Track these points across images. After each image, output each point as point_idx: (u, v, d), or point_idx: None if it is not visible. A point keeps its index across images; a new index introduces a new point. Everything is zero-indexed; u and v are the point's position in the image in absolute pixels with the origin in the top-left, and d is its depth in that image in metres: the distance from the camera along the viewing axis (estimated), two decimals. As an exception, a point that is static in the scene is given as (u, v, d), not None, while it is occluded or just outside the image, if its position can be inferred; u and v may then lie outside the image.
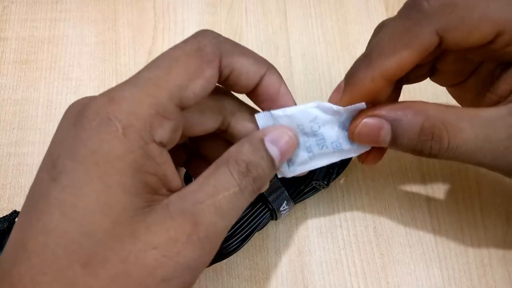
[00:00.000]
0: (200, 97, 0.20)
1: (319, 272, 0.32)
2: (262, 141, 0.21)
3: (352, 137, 0.23)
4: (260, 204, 0.30)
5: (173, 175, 0.20)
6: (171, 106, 0.19)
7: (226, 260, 0.30)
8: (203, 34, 0.21)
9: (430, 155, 0.22)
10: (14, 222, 0.31)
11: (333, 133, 0.23)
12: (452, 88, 0.28)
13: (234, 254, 0.29)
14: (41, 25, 0.40)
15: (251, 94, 0.23)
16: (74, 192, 0.17)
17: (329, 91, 0.37)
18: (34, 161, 0.35)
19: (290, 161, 0.24)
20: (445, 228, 0.33)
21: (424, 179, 0.34)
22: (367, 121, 0.22)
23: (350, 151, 0.24)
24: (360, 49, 0.39)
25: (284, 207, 0.30)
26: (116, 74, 0.38)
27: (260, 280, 0.32)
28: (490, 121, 0.21)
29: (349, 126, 0.23)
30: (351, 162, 0.34)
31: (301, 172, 0.25)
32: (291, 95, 0.24)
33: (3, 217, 0.30)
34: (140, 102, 0.18)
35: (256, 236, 0.32)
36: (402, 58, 0.20)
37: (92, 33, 0.39)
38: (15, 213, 0.31)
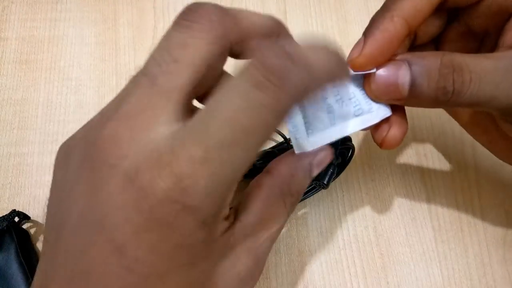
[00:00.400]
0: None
1: (319, 272, 0.32)
2: (310, 169, 0.21)
3: (370, 86, 0.21)
4: None
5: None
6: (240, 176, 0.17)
7: (226, 260, 0.30)
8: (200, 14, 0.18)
9: (454, 92, 0.20)
10: (13, 221, 0.31)
11: (350, 91, 0.22)
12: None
13: None
14: (41, 25, 0.40)
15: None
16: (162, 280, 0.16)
17: (329, 91, 0.37)
18: (34, 161, 0.35)
19: (309, 127, 0.21)
20: (445, 228, 0.33)
21: (424, 179, 0.34)
22: (384, 66, 0.21)
23: (371, 115, 0.22)
24: (360, 49, 0.39)
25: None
26: (116, 74, 0.38)
27: (260, 281, 0.32)
28: (505, 57, 0.20)
29: (366, 77, 0.21)
30: (351, 162, 0.34)
31: (321, 144, 0.22)
32: None
33: (3, 216, 0.31)
34: (218, 188, 0.16)
35: (256, 236, 0.32)
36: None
37: (92, 33, 0.39)
38: (14, 212, 0.31)
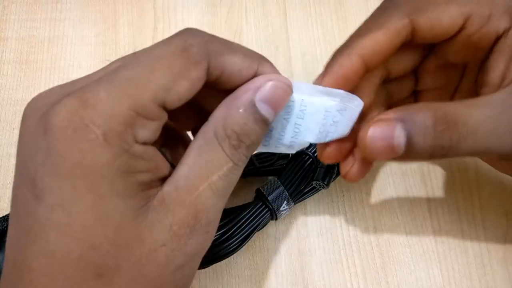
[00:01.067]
0: (185, 99, 0.18)
1: (319, 272, 0.32)
2: (252, 104, 0.19)
3: (365, 149, 0.20)
4: (260, 204, 0.30)
5: (163, 163, 0.18)
6: (153, 108, 0.17)
7: (226, 260, 0.30)
8: (189, 33, 0.19)
9: (451, 149, 0.20)
10: None
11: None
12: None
13: (234, 254, 0.29)
14: (41, 25, 0.40)
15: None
16: (66, 211, 0.16)
17: (329, 91, 0.37)
18: (34, 161, 0.35)
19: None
20: (445, 228, 0.33)
21: (424, 179, 0.34)
22: (376, 126, 0.20)
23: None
24: (360, 49, 0.39)
25: (284, 207, 0.30)
26: (116, 74, 0.38)
27: (260, 280, 0.32)
28: (495, 102, 0.20)
29: (358, 135, 0.21)
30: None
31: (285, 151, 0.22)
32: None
33: (3, 217, 0.30)
34: (119, 104, 0.16)
35: (256, 236, 0.32)
36: (376, 37, 0.21)
37: (92, 33, 0.39)
38: None
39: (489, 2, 0.20)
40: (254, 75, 0.20)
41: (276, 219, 0.31)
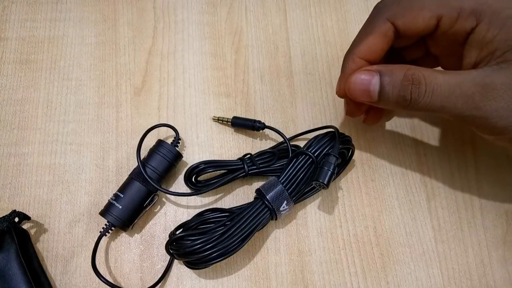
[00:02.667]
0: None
1: (319, 272, 0.32)
2: None
3: (348, 86, 0.28)
4: (260, 203, 0.30)
5: None
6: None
7: (226, 260, 0.30)
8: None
9: (411, 100, 0.26)
10: (13, 222, 0.31)
11: None
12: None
13: (234, 254, 0.29)
14: (41, 25, 0.40)
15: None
16: None
17: (329, 91, 0.37)
18: (34, 161, 0.35)
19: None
20: (445, 228, 0.33)
21: (424, 179, 0.34)
22: (360, 73, 0.27)
23: None
24: (360, 49, 0.39)
25: (284, 207, 0.30)
26: (116, 74, 0.38)
27: (260, 280, 0.32)
28: (459, 72, 0.25)
29: (346, 80, 0.28)
30: (351, 162, 0.34)
31: None
32: None
33: (3, 217, 0.31)
34: None
35: (256, 236, 0.32)
36: (367, 41, 0.27)
37: (92, 33, 0.39)
38: (14, 213, 0.31)
39: (458, 6, 0.25)
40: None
41: (276, 219, 0.31)
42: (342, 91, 0.29)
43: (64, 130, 0.36)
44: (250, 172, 0.32)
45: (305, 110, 0.36)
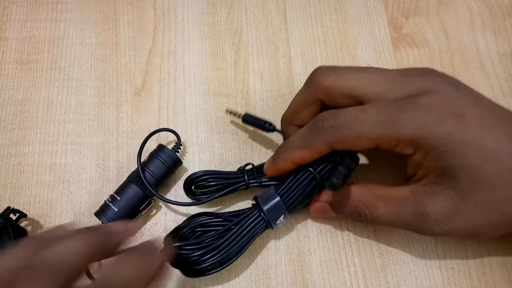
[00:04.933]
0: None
1: (319, 272, 0.32)
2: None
3: (314, 210, 0.32)
4: (256, 215, 0.30)
5: None
6: None
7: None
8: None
9: (363, 222, 0.30)
10: (10, 219, 0.31)
11: None
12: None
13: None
14: (42, 26, 0.40)
15: None
16: None
17: (329, 91, 0.37)
18: (35, 161, 0.35)
19: None
20: (444, 228, 0.33)
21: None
22: (317, 204, 0.31)
23: None
24: (359, 49, 0.39)
25: (280, 220, 0.30)
26: (117, 74, 0.38)
27: (260, 280, 0.32)
28: (397, 201, 0.28)
29: (313, 203, 0.32)
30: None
31: None
32: None
33: None
34: None
35: (256, 236, 0.33)
36: (302, 153, 0.29)
37: (92, 33, 0.39)
38: (9, 210, 0.31)
39: (397, 137, 0.26)
40: None
41: (272, 228, 0.31)
42: (271, 175, 0.32)
43: (64, 130, 0.36)
44: (251, 185, 0.32)
45: (305, 110, 0.36)
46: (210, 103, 0.37)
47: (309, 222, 0.33)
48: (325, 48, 0.39)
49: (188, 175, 0.32)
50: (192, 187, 0.32)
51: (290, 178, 0.30)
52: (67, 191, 0.34)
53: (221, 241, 0.29)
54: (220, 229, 0.29)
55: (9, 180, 0.35)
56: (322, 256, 0.32)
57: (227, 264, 0.29)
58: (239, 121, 0.35)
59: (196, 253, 0.28)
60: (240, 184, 0.32)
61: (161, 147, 0.33)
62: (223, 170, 0.34)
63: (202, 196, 0.32)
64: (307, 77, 0.30)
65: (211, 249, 0.28)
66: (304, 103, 0.31)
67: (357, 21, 0.40)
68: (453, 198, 0.26)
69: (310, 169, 0.30)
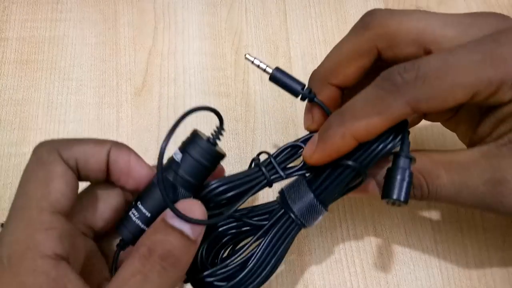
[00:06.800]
0: (72, 197, 0.21)
1: (319, 272, 0.32)
2: (162, 220, 0.21)
3: (356, 191, 0.25)
4: (286, 218, 0.25)
5: (77, 282, 0.19)
6: (46, 217, 0.19)
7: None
8: (39, 147, 0.22)
9: (417, 199, 0.23)
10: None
11: None
12: (446, 123, 0.28)
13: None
14: (42, 26, 0.40)
15: (111, 177, 0.23)
16: None
17: (329, 91, 0.37)
18: (35, 161, 0.35)
19: None
20: (444, 228, 0.33)
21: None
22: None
23: None
24: (360, 49, 0.39)
25: (316, 221, 0.25)
26: (117, 74, 0.38)
27: (260, 280, 0.32)
28: (464, 166, 0.22)
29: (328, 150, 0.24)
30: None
31: None
32: (144, 162, 0.24)
33: None
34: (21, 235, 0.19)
35: (256, 236, 0.32)
36: (372, 122, 0.21)
37: (92, 33, 0.39)
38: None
39: (499, 79, 0.20)
40: (108, 157, 0.22)
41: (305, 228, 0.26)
42: (321, 162, 0.24)
43: (64, 130, 0.36)
44: (274, 181, 0.25)
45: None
46: (210, 103, 0.37)
47: (309, 222, 0.33)
48: (325, 48, 0.39)
49: (202, 193, 0.25)
50: (210, 204, 0.25)
51: (326, 173, 0.24)
52: (67, 191, 0.34)
53: (254, 260, 0.24)
54: (247, 234, 0.25)
55: (9, 180, 0.34)
56: (322, 257, 0.32)
57: (270, 276, 0.24)
58: (264, 76, 0.30)
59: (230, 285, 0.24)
60: (261, 183, 0.25)
61: (194, 137, 0.24)
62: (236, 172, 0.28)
63: (222, 206, 0.25)
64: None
65: (246, 273, 0.24)
66: (353, 54, 0.24)
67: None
68: None
69: (350, 163, 0.23)
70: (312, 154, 0.24)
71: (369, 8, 0.41)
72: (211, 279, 0.24)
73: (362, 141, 0.22)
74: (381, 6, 0.40)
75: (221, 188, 0.24)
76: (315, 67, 0.30)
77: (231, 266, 0.24)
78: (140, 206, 0.23)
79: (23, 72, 0.38)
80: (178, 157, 0.23)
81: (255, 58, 0.26)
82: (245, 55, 0.27)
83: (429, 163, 0.23)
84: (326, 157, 0.23)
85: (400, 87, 0.21)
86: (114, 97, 0.37)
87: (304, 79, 0.36)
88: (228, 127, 0.36)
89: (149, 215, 0.23)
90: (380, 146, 0.23)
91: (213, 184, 0.24)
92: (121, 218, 0.24)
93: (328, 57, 0.25)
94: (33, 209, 0.19)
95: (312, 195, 0.24)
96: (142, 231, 0.22)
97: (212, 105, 0.38)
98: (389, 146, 0.23)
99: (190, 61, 0.38)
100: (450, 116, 0.26)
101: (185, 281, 0.25)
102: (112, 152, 0.23)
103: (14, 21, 0.40)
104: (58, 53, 0.39)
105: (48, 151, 0.21)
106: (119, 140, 0.36)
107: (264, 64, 0.26)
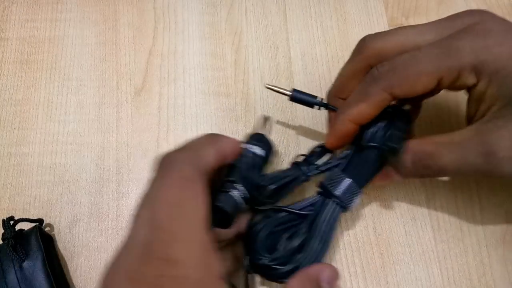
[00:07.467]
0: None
1: (319, 272, 0.32)
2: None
3: (378, 178, 0.29)
4: (331, 203, 0.28)
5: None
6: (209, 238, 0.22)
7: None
8: (180, 164, 0.24)
9: (426, 177, 0.28)
10: (38, 228, 0.30)
11: None
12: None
13: None
14: (42, 26, 0.40)
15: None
16: None
17: (329, 91, 0.37)
18: (34, 161, 0.35)
19: None
20: (444, 228, 0.33)
21: (424, 179, 0.34)
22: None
23: None
24: (360, 49, 0.39)
25: (355, 201, 0.29)
26: (117, 74, 0.38)
27: (260, 280, 0.32)
28: (461, 144, 0.26)
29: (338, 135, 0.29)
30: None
31: None
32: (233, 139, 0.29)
33: (30, 230, 0.30)
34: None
35: (256, 236, 0.32)
36: (361, 108, 0.27)
37: (92, 33, 0.39)
38: (41, 222, 0.31)
39: (457, 65, 0.25)
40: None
41: (346, 211, 0.29)
42: (335, 145, 0.30)
43: (64, 130, 0.36)
44: (309, 174, 0.30)
45: (305, 110, 0.36)
46: (210, 103, 0.37)
47: (309, 222, 0.33)
48: (325, 48, 0.39)
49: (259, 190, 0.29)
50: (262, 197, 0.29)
51: (355, 158, 0.29)
52: (67, 191, 0.34)
53: (308, 243, 0.28)
54: (301, 230, 0.28)
55: (9, 180, 0.35)
56: (322, 256, 0.32)
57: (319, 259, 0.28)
58: (283, 98, 0.33)
59: (288, 270, 0.27)
60: (300, 178, 0.29)
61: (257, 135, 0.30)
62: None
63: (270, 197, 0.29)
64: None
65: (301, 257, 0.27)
66: (353, 73, 0.29)
67: (357, 21, 0.40)
68: None
69: (375, 144, 0.28)
70: (328, 140, 0.30)
71: (369, 8, 0.41)
72: (272, 263, 0.27)
73: (360, 124, 0.28)
74: (381, 6, 0.40)
75: (274, 186, 0.29)
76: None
77: (289, 251, 0.27)
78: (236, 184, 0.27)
79: (23, 72, 0.38)
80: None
81: (274, 86, 0.32)
82: (265, 85, 0.33)
83: (433, 146, 0.27)
84: (338, 140, 0.29)
85: (376, 78, 0.27)
86: (114, 97, 0.37)
87: (304, 79, 0.36)
88: (228, 127, 0.36)
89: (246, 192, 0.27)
90: (389, 126, 0.28)
91: (269, 185, 0.29)
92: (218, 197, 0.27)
93: (336, 77, 0.31)
94: (201, 231, 0.22)
95: (348, 179, 0.28)
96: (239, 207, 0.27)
97: (212, 105, 0.38)
98: (398, 123, 0.28)
99: (190, 61, 0.38)
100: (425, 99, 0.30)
101: (247, 269, 0.28)
102: (219, 151, 0.26)
103: (14, 21, 0.40)
104: (58, 53, 0.39)
105: (191, 171, 0.23)
106: (119, 140, 0.36)
107: (282, 88, 0.32)
